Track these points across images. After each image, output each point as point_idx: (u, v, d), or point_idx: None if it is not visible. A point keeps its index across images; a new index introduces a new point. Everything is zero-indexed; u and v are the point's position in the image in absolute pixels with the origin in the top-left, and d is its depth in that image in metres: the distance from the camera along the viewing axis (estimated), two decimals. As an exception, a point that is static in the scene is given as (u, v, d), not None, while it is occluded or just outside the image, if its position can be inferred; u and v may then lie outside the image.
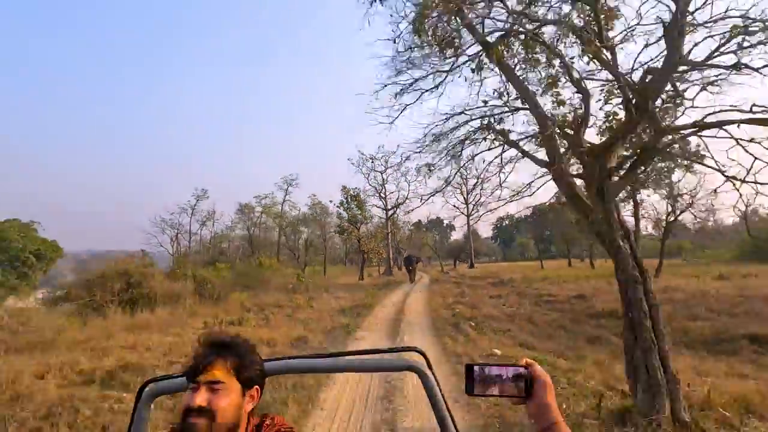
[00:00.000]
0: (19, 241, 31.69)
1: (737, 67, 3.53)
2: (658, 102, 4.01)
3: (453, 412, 1.15)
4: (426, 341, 7.21)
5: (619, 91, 3.93)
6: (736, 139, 3.48)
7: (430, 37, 4.00)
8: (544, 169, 4.59)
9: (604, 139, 4.34)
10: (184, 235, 42.82)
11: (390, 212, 32.47)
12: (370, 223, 33.06)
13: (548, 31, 4.40)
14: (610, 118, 4.41)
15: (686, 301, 10.22)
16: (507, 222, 70.21)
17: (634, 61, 4.01)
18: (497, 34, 4.24)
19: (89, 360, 6.86)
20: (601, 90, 4.39)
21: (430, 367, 1.15)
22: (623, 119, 3.98)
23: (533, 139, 4.78)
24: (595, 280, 17.67)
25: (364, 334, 8.52)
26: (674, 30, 3.42)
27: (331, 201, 33.80)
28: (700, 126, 3.57)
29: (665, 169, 22.92)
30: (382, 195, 31.78)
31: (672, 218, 22.08)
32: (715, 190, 4.02)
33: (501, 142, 4.77)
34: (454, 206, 40.38)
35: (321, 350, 7.48)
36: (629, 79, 3.71)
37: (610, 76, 4.09)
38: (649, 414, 3.21)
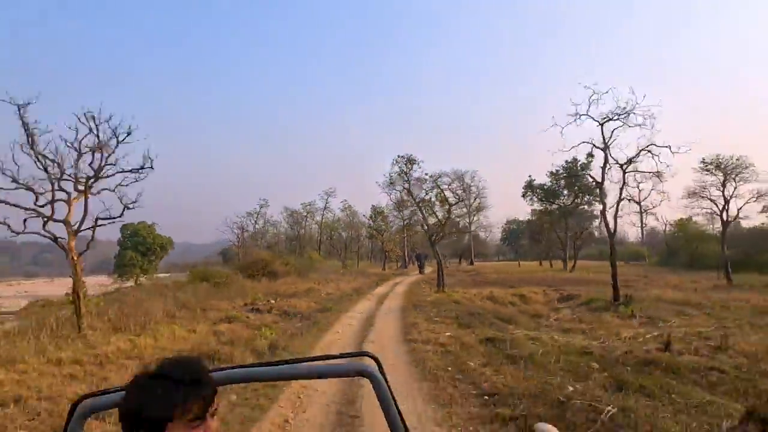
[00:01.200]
0: (149, 236, 46.87)
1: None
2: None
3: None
4: (405, 286, 20.66)
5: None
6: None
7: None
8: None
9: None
10: (247, 233, 57.61)
11: (405, 222, 45.65)
12: (392, 230, 46.43)
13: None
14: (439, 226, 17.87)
15: (530, 278, 23.35)
16: (514, 226, 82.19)
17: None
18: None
19: (287, 288, 20.59)
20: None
21: (382, 372, 1.16)
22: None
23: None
24: (527, 274, 30.62)
25: (384, 285, 22.06)
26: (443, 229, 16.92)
27: (364, 215, 47.38)
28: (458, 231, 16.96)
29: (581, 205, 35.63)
30: (400, 209, 45.13)
31: (581, 234, 34.78)
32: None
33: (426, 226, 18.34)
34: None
35: (366, 292, 20.66)
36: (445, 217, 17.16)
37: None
38: (438, 287, 16.62)
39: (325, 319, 10.93)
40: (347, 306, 13.91)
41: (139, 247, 47.37)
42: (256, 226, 56.18)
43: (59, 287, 37.87)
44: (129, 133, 9.85)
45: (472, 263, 54.84)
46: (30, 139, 8.90)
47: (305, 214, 56.13)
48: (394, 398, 1.13)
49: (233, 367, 1.17)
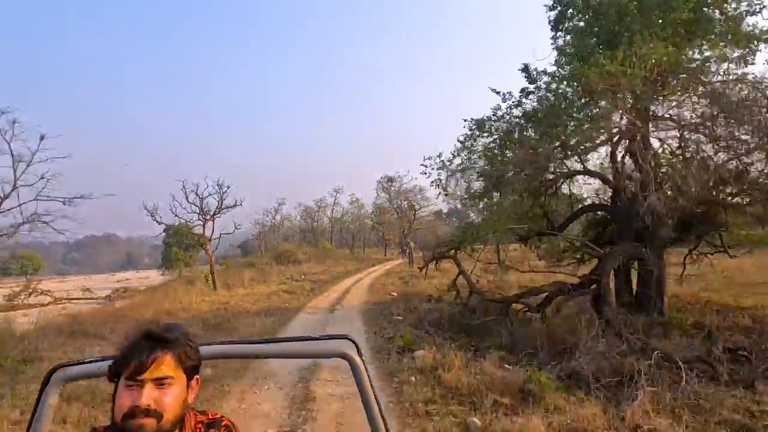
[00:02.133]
0: (187, 235, 57.16)
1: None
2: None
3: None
4: (392, 266, 29.97)
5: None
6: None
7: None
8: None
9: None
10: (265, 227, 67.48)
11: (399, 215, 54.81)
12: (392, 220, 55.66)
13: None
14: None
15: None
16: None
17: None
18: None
19: (309, 270, 30.05)
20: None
21: (360, 354, 1.19)
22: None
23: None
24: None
25: (378, 266, 31.42)
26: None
27: (368, 211, 56.56)
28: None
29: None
30: (395, 206, 54.33)
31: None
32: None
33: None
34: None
35: (364, 270, 29.87)
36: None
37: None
38: (409, 264, 25.91)
39: (336, 281, 20.40)
40: (350, 276, 23.37)
41: (181, 244, 58.01)
42: (274, 220, 66.19)
43: (102, 282, 48.04)
44: (228, 187, 19.38)
45: (463, 247, 63.92)
46: (186, 195, 18.42)
47: (317, 209, 65.81)
48: (371, 381, 1.16)
49: (217, 343, 1.20)
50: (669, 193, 6.38)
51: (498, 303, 6.94)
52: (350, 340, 1.23)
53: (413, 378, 5.07)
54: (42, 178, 7.21)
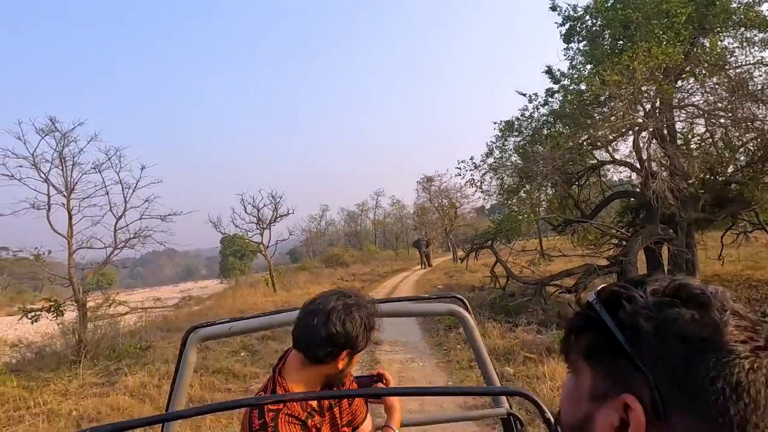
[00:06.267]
0: (242, 243, 60.84)
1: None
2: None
3: None
4: (438, 262, 30.91)
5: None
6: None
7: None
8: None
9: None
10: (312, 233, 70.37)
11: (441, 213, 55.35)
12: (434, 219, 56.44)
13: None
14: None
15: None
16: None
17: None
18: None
19: (357, 271, 31.57)
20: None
21: (469, 312, 1.29)
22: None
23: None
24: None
25: (421, 264, 32.43)
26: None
27: (410, 212, 57.58)
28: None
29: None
30: (435, 206, 54.76)
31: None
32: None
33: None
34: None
35: (408, 269, 30.98)
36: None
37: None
38: (453, 261, 26.64)
39: (384, 279, 21.74)
40: (396, 275, 24.63)
41: (236, 253, 61.77)
42: (319, 226, 68.85)
43: (167, 292, 52.12)
44: (281, 197, 21.22)
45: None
46: (244, 207, 20.44)
47: (360, 213, 67.80)
48: (478, 333, 1.25)
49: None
50: (665, 175, 7.01)
51: (532, 285, 7.80)
52: (458, 298, 1.33)
53: (458, 346, 6.13)
54: (146, 201, 8.87)
